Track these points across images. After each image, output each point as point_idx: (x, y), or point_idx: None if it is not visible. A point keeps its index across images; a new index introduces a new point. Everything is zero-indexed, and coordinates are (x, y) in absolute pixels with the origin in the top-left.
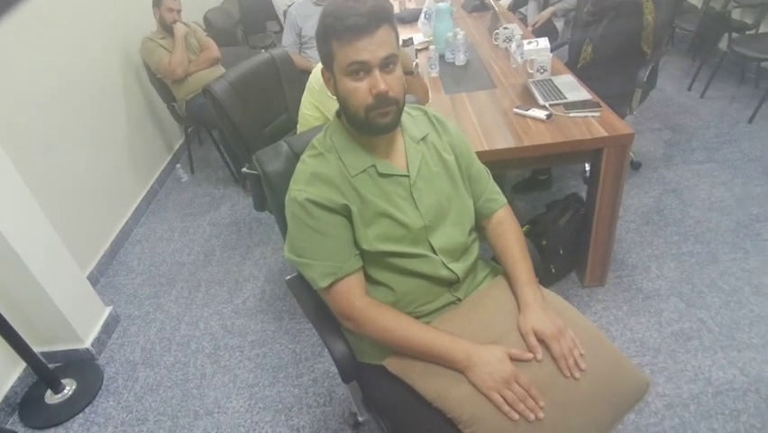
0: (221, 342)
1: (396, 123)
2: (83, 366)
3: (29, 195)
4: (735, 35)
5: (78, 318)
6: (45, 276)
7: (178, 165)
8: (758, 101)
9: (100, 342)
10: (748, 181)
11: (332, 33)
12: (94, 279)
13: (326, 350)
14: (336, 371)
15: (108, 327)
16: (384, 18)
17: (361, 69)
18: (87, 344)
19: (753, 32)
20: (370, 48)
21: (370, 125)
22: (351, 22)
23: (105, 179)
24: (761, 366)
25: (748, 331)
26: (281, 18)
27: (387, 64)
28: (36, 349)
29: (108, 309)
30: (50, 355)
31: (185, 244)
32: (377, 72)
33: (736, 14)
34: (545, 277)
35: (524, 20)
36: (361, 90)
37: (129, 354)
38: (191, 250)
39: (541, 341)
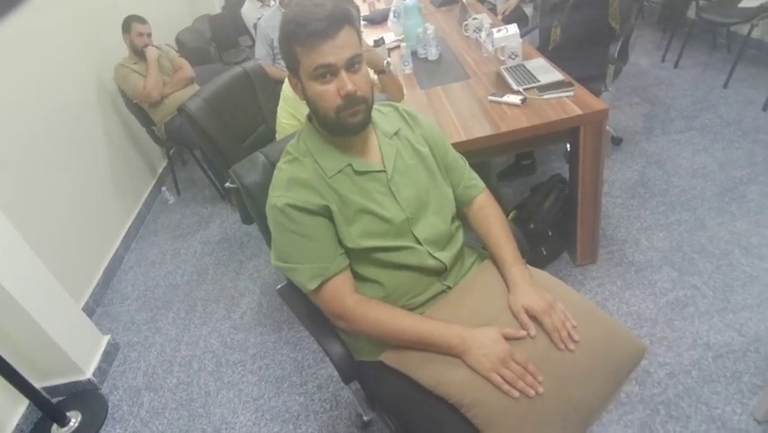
0: (222, 358)
1: (366, 121)
2: (87, 397)
3: (13, 231)
4: (702, 3)
5: (77, 350)
6: (39, 312)
7: (163, 188)
8: (731, 65)
9: (101, 371)
10: (728, 145)
11: (295, 40)
12: (90, 309)
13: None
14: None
15: (108, 356)
16: (345, 20)
17: (327, 72)
18: (89, 374)
19: None
20: (334, 50)
21: (341, 126)
22: (312, 27)
23: (91, 209)
24: (757, 325)
25: (741, 292)
26: (252, 32)
27: (352, 64)
28: (38, 385)
29: (107, 338)
30: (53, 389)
31: (177, 265)
32: (343, 73)
33: None
34: (537, 260)
35: (492, 9)
36: (329, 92)
37: (131, 381)
38: (184, 271)
39: (532, 317)
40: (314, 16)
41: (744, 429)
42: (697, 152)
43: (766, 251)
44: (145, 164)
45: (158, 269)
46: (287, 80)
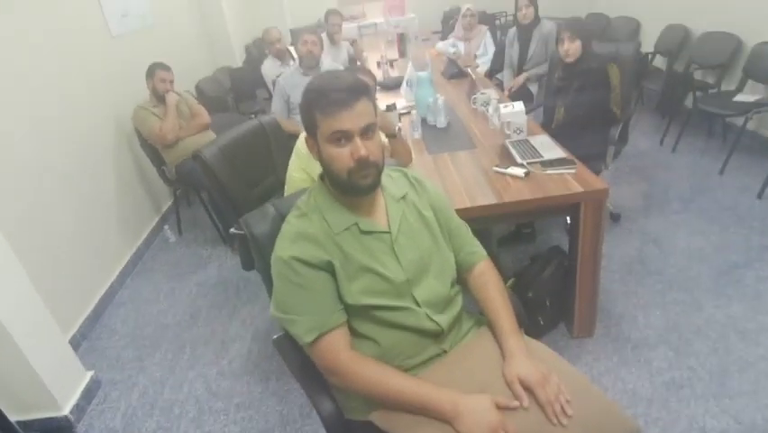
0: (205, 405)
1: (376, 184)
2: None
3: (12, 256)
4: (699, 94)
5: (58, 384)
6: (25, 340)
7: (165, 226)
8: (726, 154)
9: (79, 409)
10: (724, 230)
11: (315, 106)
12: (76, 342)
13: (314, 411)
14: (326, 432)
15: (89, 393)
16: (362, 92)
17: (342, 137)
18: (66, 411)
19: (715, 90)
20: (351, 118)
21: (352, 187)
22: (333, 96)
23: (92, 242)
24: (753, 413)
25: (738, 377)
26: (270, 87)
27: (366, 131)
28: (12, 418)
29: (89, 374)
30: (27, 424)
31: (170, 305)
32: (357, 139)
33: (698, 75)
34: (534, 329)
35: (500, 85)
36: (343, 155)
37: (109, 421)
38: (176, 311)
39: (527, 388)
40: (335, 87)
41: None
42: (693, 233)
43: (763, 337)
44: (151, 201)
45: (150, 307)
46: (301, 137)
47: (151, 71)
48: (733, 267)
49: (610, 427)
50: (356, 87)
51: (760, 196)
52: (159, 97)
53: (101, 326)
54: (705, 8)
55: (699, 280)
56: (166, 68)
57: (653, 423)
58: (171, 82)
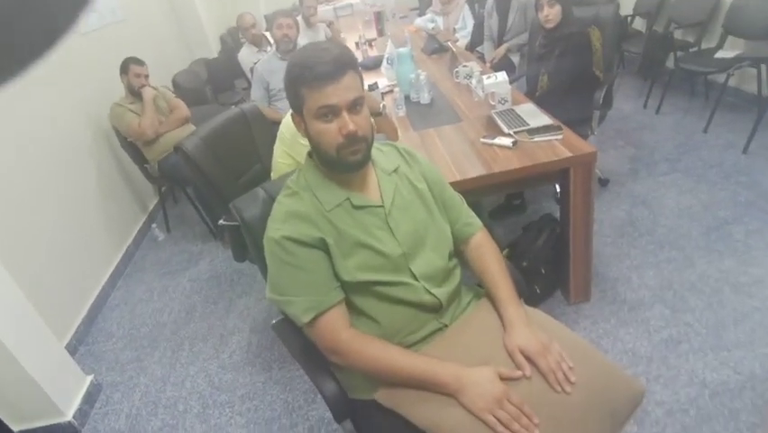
0: (209, 400)
1: (366, 159)
2: None
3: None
4: (680, 53)
5: (58, 391)
6: (20, 349)
7: (153, 225)
8: (710, 112)
9: (82, 413)
10: (712, 187)
11: (301, 81)
12: (72, 348)
13: (319, 396)
14: (331, 416)
15: (90, 397)
16: (349, 65)
17: (329, 112)
18: (69, 416)
19: (695, 49)
20: (338, 92)
21: (341, 163)
22: (319, 70)
23: (79, 246)
24: (752, 363)
25: (734, 329)
26: (248, 75)
27: (354, 106)
28: (15, 428)
29: (89, 378)
30: (31, 432)
31: (165, 303)
32: (345, 114)
33: (678, 35)
34: (531, 298)
35: (481, 58)
36: (331, 131)
37: (114, 423)
38: (172, 309)
39: (528, 358)
40: (320, 60)
41: None
42: (682, 192)
43: (755, 289)
44: (136, 201)
45: (144, 307)
46: (284, 121)
47: (125, 67)
48: (722, 223)
49: (615, 390)
50: (342, 60)
51: (745, 151)
52: (135, 93)
53: (96, 329)
54: None
55: (690, 237)
56: (140, 62)
57: (654, 380)
58: (146, 77)
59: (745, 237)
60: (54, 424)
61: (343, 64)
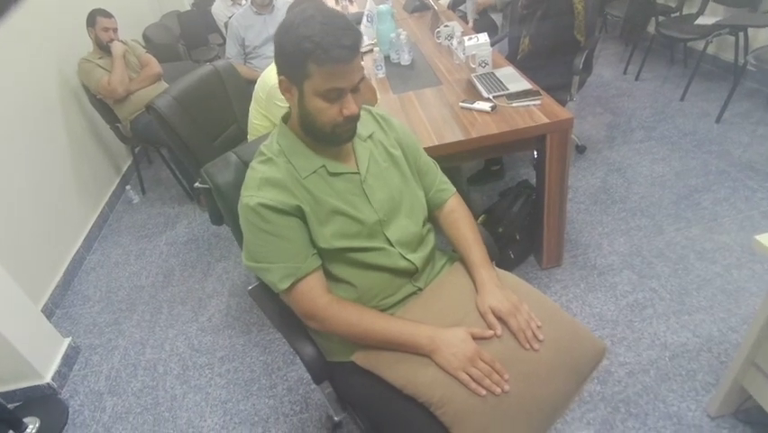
0: (189, 361)
1: (354, 133)
2: (45, 402)
3: None
4: (661, 18)
5: (36, 353)
6: None
7: (127, 187)
8: (687, 80)
9: (61, 375)
10: (684, 155)
11: (312, 58)
12: (49, 311)
13: (297, 358)
14: (310, 377)
15: (69, 359)
16: (360, 46)
17: (336, 94)
18: (48, 378)
19: (677, 14)
20: (348, 76)
21: (333, 139)
22: (335, 53)
23: (52, 208)
24: (710, 327)
25: (696, 295)
26: (223, 30)
27: (357, 86)
28: None
29: (67, 341)
30: (9, 395)
31: (142, 266)
32: (350, 96)
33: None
34: (505, 263)
35: (463, 17)
36: (332, 110)
37: (93, 385)
38: (149, 272)
39: (499, 318)
40: (338, 42)
41: (698, 425)
42: (655, 161)
43: (718, 255)
44: (109, 162)
45: (121, 270)
46: (259, 81)
47: (92, 19)
48: (692, 191)
49: (579, 348)
50: (357, 44)
51: (718, 120)
52: (103, 48)
53: (73, 293)
54: None
55: (661, 205)
56: (107, 14)
57: (618, 342)
58: (115, 30)
59: (713, 205)
60: (33, 386)
61: (357, 48)
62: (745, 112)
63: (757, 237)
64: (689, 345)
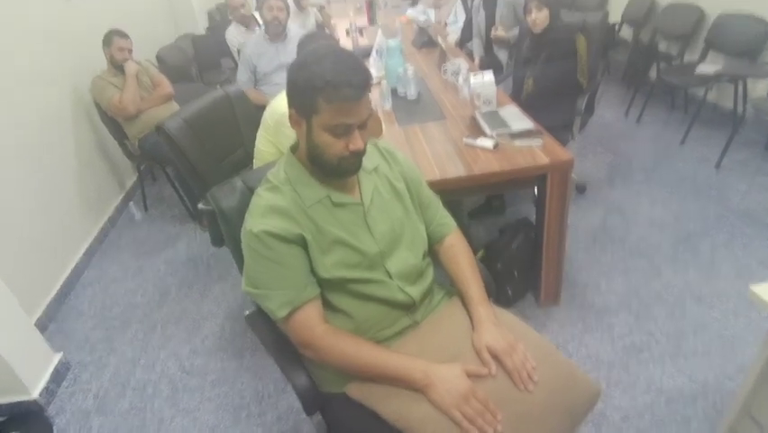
0: (179, 384)
1: (360, 165)
2: (30, 419)
3: None
4: (662, 65)
5: (25, 368)
6: None
7: (131, 203)
8: (687, 125)
9: (49, 391)
10: (683, 199)
11: (322, 94)
12: (42, 325)
13: (289, 386)
14: (301, 406)
15: (58, 375)
16: (369, 85)
17: (344, 130)
18: (35, 394)
19: (678, 62)
20: (356, 113)
21: (339, 172)
22: (345, 92)
23: (54, 221)
24: (706, 373)
25: (693, 340)
26: (235, 55)
27: (365, 123)
28: None
29: (58, 356)
30: None
31: (139, 284)
32: (357, 132)
33: (662, 47)
34: (503, 299)
35: (470, 54)
36: (339, 145)
37: (81, 403)
38: (145, 290)
39: (495, 356)
40: (349, 81)
41: None
42: (655, 203)
43: (716, 301)
44: (114, 178)
45: (118, 286)
46: (268, 108)
47: (108, 39)
48: (691, 235)
49: (574, 390)
50: (367, 83)
51: (717, 166)
52: (117, 67)
53: (68, 307)
54: None
55: (659, 247)
56: (124, 35)
57: (614, 385)
58: (130, 51)
59: (711, 250)
60: (19, 402)
61: (366, 86)
62: (744, 160)
63: (753, 288)
64: (685, 391)
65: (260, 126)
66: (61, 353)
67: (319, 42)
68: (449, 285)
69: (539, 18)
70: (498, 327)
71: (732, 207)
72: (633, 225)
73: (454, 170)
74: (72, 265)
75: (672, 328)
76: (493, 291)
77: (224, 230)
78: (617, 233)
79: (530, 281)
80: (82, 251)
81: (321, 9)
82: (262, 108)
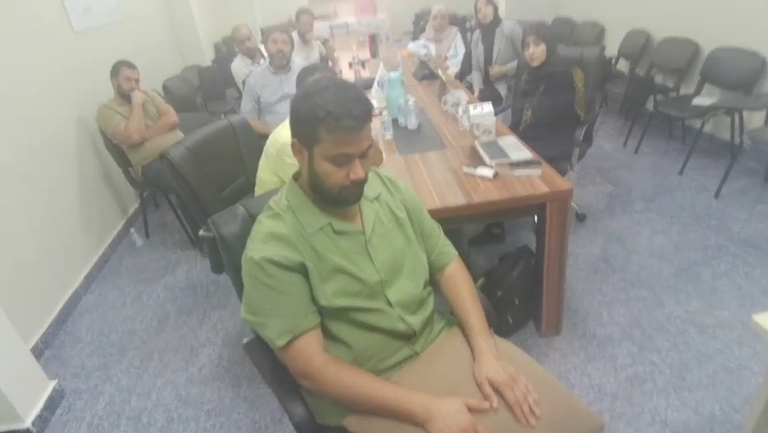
0: (174, 413)
1: (361, 195)
2: None
3: None
4: (659, 97)
5: (19, 395)
6: None
7: (132, 229)
8: (685, 155)
9: (42, 420)
10: (684, 228)
11: (323, 125)
12: (38, 351)
13: (287, 417)
14: None
15: (52, 403)
16: (370, 116)
17: (344, 160)
18: (28, 423)
19: (674, 94)
20: (357, 143)
21: (340, 201)
22: (346, 123)
23: (55, 246)
24: (712, 405)
25: (697, 371)
26: (240, 86)
27: (366, 152)
28: None
29: (52, 384)
30: None
31: (137, 310)
32: (357, 161)
33: (658, 79)
34: (504, 328)
35: (470, 87)
36: (339, 174)
37: (74, 432)
38: (144, 317)
39: (496, 389)
40: (349, 113)
41: None
42: (655, 232)
43: (719, 332)
44: (117, 204)
45: (116, 313)
46: (271, 137)
47: (116, 69)
48: (692, 264)
49: (576, 423)
50: (368, 114)
51: (716, 195)
52: (124, 96)
53: (65, 333)
54: (665, 15)
55: (661, 277)
56: (131, 66)
57: (617, 418)
58: (137, 81)
59: (712, 280)
60: (11, 430)
61: (368, 117)
62: (743, 188)
63: (755, 317)
64: (690, 424)
65: (263, 155)
66: (56, 380)
67: (318, 74)
68: (449, 314)
69: (536, 52)
70: (498, 358)
71: (733, 237)
72: (633, 254)
73: (454, 198)
74: (71, 291)
75: (675, 359)
76: (494, 321)
77: (225, 257)
78: (618, 262)
79: (531, 310)
80: (82, 276)
81: (325, 42)
82: (265, 137)
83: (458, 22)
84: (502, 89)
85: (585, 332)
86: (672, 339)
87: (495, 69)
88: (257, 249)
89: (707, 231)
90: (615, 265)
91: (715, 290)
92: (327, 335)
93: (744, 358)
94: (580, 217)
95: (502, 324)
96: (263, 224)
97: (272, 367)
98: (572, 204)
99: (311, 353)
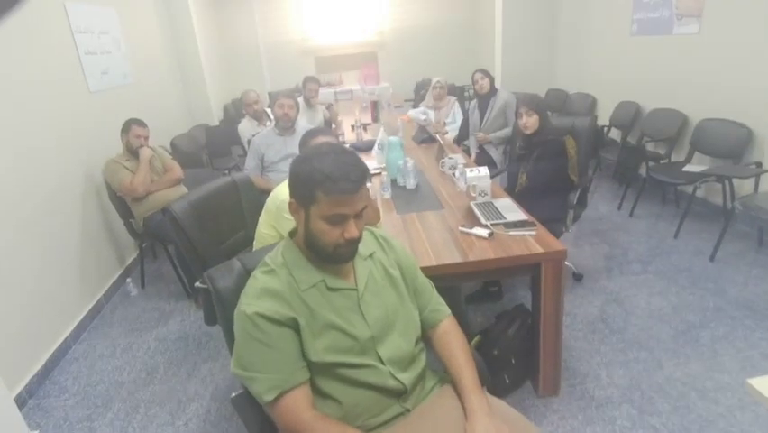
0: None
1: (355, 253)
2: None
3: None
4: (651, 163)
5: None
6: None
7: (128, 279)
8: (680, 218)
9: None
10: (681, 291)
11: (321, 187)
12: (22, 399)
13: None
14: None
15: None
16: (366, 179)
17: (340, 220)
18: None
19: (666, 161)
20: (352, 204)
21: (335, 258)
22: (342, 186)
23: (48, 294)
24: None
25: None
26: (245, 145)
27: (361, 213)
28: None
29: None
30: None
31: (126, 361)
32: (352, 221)
33: (650, 147)
34: (500, 387)
35: (467, 151)
36: (334, 233)
37: None
38: (132, 368)
39: None
40: (346, 176)
41: None
42: (653, 294)
43: (720, 395)
44: (115, 254)
45: (105, 363)
46: (272, 194)
47: (127, 127)
48: (690, 327)
49: None
50: (363, 177)
51: (712, 259)
52: (132, 152)
53: (51, 383)
54: (653, 89)
55: (659, 339)
56: (141, 124)
57: None
58: (146, 138)
59: (712, 342)
60: None
61: (363, 180)
62: (739, 252)
63: (750, 381)
64: None
65: (263, 211)
66: (37, 431)
67: (321, 137)
68: (442, 371)
69: (529, 122)
70: (491, 417)
71: (730, 300)
72: (631, 315)
73: (450, 256)
74: (61, 339)
75: (677, 424)
76: (487, 380)
77: (218, 309)
78: (617, 323)
79: (528, 369)
80: (73, 325)
81: (329, 107)
82: (267, 193)
83: (456, 92)
84: (494, 153)
85: (584, 393)
86: (672, 402)
87: (480, 136)
88: (250, 303)
89: (704, 293)
90: (613, 326)
91: (714, 353)
92: (316, 391)
93: (746, 423)
94: (577, 277)
95: (499, 383)
96: (258, 279)
97: (261, 423)
98: (569, 264)
99: (299, 408)
